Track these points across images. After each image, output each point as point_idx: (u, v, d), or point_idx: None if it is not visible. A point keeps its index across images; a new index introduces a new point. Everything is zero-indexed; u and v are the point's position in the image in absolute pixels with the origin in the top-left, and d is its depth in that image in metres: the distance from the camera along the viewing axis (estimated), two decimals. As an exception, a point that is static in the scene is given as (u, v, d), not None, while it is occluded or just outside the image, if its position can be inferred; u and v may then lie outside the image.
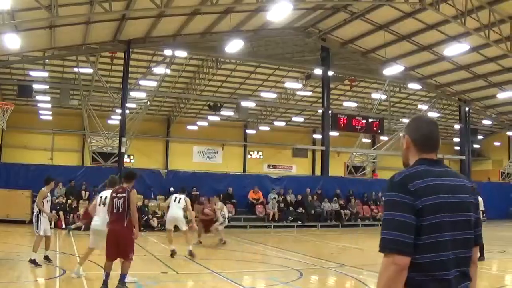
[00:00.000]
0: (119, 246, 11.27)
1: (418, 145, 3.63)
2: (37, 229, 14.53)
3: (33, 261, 13.93)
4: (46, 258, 14.74)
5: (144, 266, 15.02)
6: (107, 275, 11.27)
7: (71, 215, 26.84)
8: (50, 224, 15.46)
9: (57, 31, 28.73)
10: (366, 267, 15.64)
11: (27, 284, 12.51)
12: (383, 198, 3.72)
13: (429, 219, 3.28)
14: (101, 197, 13.04)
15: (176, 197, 18.21)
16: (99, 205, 12.90)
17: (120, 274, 11.37)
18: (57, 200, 27.07)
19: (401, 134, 3.75)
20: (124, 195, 11.47)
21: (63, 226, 25.52)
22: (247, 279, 14.99)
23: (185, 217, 18.46)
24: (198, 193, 31.26)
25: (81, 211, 25.83)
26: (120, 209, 11.38)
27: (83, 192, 28.97)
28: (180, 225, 17.69)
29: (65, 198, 27.63)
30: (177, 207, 17.88)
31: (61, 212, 26.33)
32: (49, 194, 15.21)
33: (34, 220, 14.77)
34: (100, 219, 12.63)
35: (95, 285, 11.86)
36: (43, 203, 14.72)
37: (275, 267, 17.13)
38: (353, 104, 49.64)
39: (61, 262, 14.93)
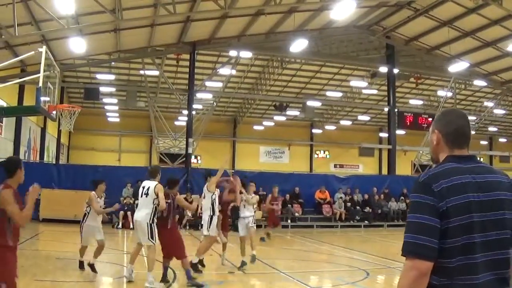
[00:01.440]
0: (165, 247, 12.10)
1: (449, 141, 3.45)
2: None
3: (81, 264, 13.41)
4: (91, 266, 13.35)
5: (211, 265, 15.11)
6: (164, 268, 12.29)
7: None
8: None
9: (122, 34, 29.18)
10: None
11: (94, 284, 12.74)
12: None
13: (455, 220, 3.10)
14: (143, 187, 12.34)
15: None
16: (141, 196, 12.28)
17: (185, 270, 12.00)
18: (124, 201, 27.48)
19: (430, 130, 3.53)
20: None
21: (131, 226, 25.79)
22: (314, 279, 14.99)
23: None
24: (265, 193, 31.32)
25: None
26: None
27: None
28: None
29: (133, 199, 27.88)
30: None
31: (129, 213, 26.64)
32: (99, 200, 13.73)
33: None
34: (141, 211, 12.18)
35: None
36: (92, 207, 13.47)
37: (342, 267, 17.04)
38: (419, 102, 49.00)
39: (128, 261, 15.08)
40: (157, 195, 11.87)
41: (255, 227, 15.46)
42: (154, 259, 12.08)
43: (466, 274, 3.09)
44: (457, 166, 3.30)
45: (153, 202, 11.97)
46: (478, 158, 3.56)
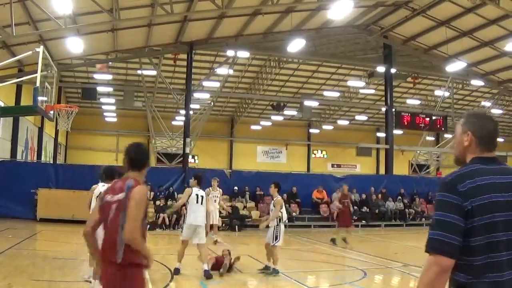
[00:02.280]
0: None
1: (482, 143, 3.53)
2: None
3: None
4: None
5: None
6: None
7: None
8: None
9: (119, 34, 29.15)
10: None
11: (91, 284, 12.71)
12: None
13: (480, 219, 3.20)
14: (100, 192, 10.06)
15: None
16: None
17: None
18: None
19: (459, 130, 3.56)
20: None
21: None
22: (311, 279, 14.98)
23: None
24: (262, 193, 31.31)
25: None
26: None
27: (148, 192, 29.10)
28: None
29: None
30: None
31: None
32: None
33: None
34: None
35: (159, 285, 12.14)
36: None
37: (339, 267, 17.08)
38: (416, 102, 48.96)
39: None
40: None
41: (276, 244, 14.39)
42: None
43: (491, 272, 3.19)
44: (482, 167, 3.40)
45: None
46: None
